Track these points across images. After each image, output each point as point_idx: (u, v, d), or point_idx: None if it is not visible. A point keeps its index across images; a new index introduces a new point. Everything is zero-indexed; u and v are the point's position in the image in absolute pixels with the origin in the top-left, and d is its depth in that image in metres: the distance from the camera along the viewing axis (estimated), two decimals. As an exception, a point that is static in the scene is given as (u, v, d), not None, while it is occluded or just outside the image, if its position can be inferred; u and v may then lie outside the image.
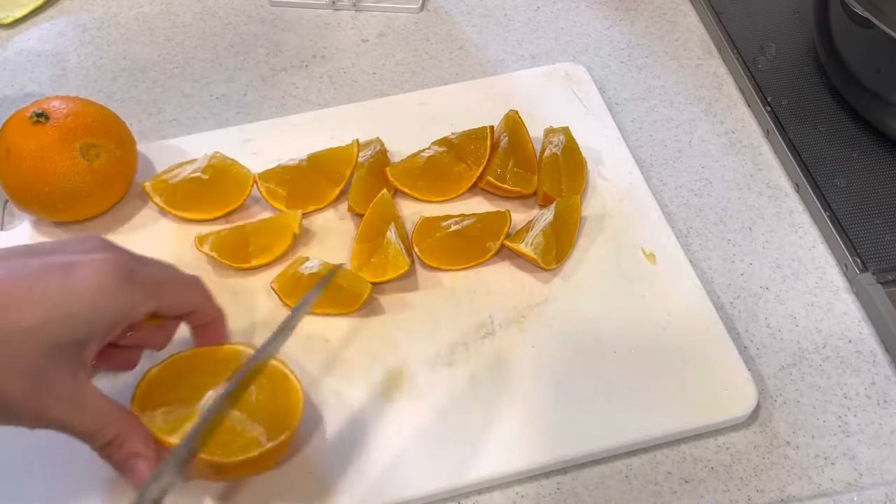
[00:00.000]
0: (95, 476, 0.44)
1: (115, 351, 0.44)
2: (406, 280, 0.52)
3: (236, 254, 0.53)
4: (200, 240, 0.53)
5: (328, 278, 0.48)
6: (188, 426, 0.40)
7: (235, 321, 0.50)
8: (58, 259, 0.37)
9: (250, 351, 0.45)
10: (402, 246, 0.52)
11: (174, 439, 0.40)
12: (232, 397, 0.41)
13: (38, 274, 0.36)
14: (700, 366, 0.48)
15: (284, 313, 0.51)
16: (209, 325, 0.45)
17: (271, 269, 0.53)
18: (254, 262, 0.53)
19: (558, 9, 0.73)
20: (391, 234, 0.52)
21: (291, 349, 0.49)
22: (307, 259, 0.52)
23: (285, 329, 0.44)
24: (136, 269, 0.39)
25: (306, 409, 0.44)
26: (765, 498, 0.44)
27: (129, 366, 0.45)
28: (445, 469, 0.44)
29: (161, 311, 0.41)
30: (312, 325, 0.51)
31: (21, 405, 0.35)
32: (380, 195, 0.55)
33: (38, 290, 0.35)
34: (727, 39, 0.68)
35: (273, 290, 0.51)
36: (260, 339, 0.50)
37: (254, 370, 0.42)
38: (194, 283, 0.44)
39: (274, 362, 0.44)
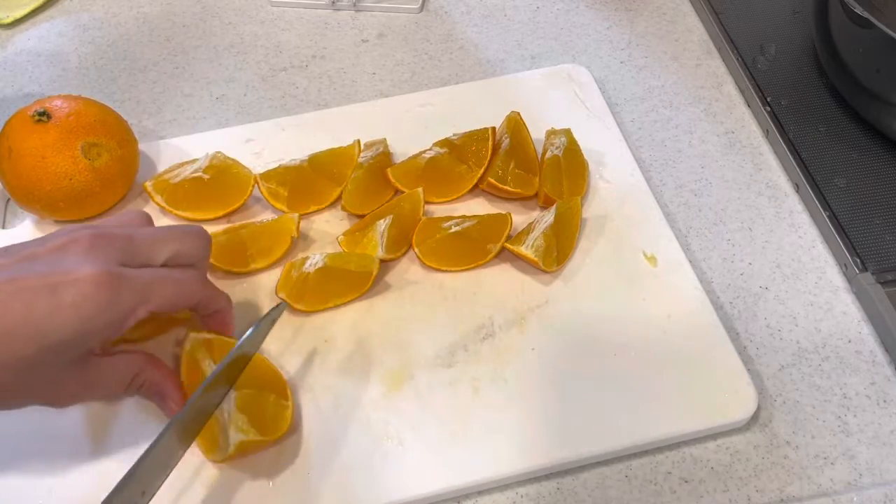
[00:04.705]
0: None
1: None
2: (406, 281, 0.53)
3: (235, 259, 0.53)
4: None
5: (272, 318, 0.48)
6: None
7: (237, 325, 0.50)
8: (42, 281, 0.38)
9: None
10: (384, 239, 0.52)
11: None
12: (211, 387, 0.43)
13: (25, 302, 0.37)
14: (700, 369, 0.48)
15: (288, 317, 0.51)
16: (215, 314, 0.46)
17: (270, 272, 0.53)
18: (253, 267, 0.53)
19: (558, 9, 0.74)
20: (381, 224, 0.53)
21: (290, 348, 0.50)
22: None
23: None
24: (123, 276, 0.39)
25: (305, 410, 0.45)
26: (764, 498, 0.44)
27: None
28: (445, 470, 0.44)
29: (157, 312, 0.41)
30: (311, 324, 0.51)
31: (40, 401, 0.41)
32: (411, 193, 0.55)
33: (29, 324, 0.37)
34: (727, 39, 0.68)
35: (281, 299, 0.51)
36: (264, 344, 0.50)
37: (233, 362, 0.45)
38: (189, 281, 0.44)
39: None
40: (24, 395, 0.40)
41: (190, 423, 0.42)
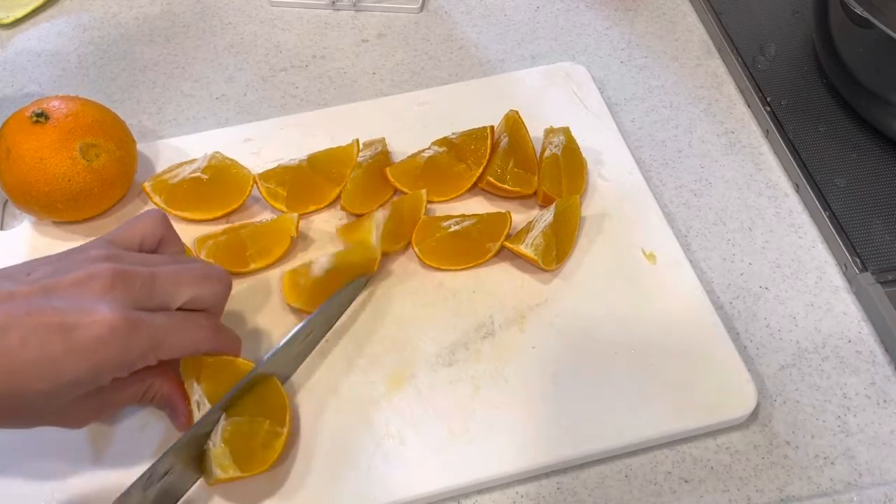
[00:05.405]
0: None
1: None
2: (406, 280, 0.52)
3: (234, 259, 0.52)
4: (198, 245, 0.53)
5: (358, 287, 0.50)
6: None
7: (236, 326, 0.50)
8: (58, 318, 0.37)
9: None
10: (379, 230, 0.52)
11: None
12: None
13: (42, 340, 0.37)
14: (700, 367, 0.48)
15: (288, 317, 0.51)
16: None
17: (270, 272, 0.53)
18: (252, 266, 0.53)
19: (558, 9, 0.74)
20: (379, 215, 0.53)
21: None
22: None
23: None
24: (139, 323, 0.39)
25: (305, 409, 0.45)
26: (764, 498, 0.44)
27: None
28: (446, 469, 0.44)
29: (165, 358, 0.42)
30: (312, 325, 0.51)
31: (54, 425, 0.42)
32: (415, 193, 0.55)
33: (44, 361, 0.37)
34: (727, 39, 0.68)
35: (295, 308, 0.50)
36: (261, 342, 0.50)
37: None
38: (203, 330, 0.43)
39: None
40: (38, 420, 0.41)
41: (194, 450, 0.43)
